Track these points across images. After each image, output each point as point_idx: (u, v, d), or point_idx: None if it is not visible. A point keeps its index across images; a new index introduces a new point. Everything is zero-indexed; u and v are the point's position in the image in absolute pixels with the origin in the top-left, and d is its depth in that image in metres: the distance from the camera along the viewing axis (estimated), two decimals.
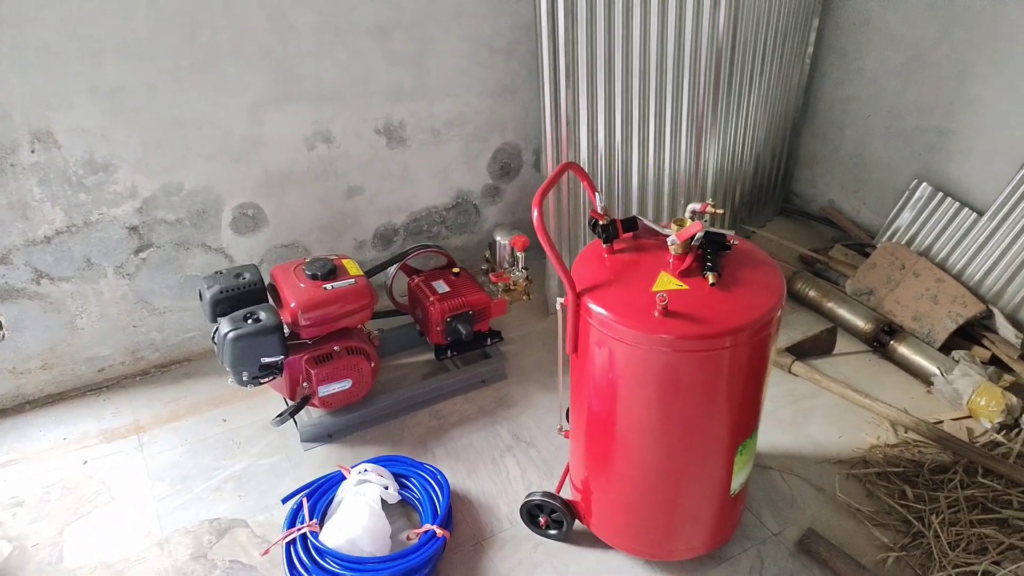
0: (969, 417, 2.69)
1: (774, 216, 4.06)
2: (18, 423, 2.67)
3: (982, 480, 2.36)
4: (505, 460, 2.53)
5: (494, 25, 3.01)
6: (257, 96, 2.66)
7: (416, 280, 2.85)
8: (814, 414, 2.73)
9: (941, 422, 2.67)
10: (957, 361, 2.82)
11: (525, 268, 2.86)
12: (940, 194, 3.24)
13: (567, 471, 2.30)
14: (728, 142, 3.36)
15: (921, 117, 3.33)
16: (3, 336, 2.59)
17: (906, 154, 3.43)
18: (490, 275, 2.88)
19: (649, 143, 3.09)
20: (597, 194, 1.99)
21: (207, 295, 2.39)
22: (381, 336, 2.80)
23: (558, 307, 1.89)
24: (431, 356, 2.91)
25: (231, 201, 2.79)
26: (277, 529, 2.24)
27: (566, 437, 2.23)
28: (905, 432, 2.62)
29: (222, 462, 2.51)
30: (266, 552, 2.18)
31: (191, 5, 2.42)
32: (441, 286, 2.78)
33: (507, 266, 2.89)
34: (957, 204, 3.17)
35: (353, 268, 2.55)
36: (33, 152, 2.39)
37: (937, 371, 2.80)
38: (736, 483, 2.01)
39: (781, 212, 4.10)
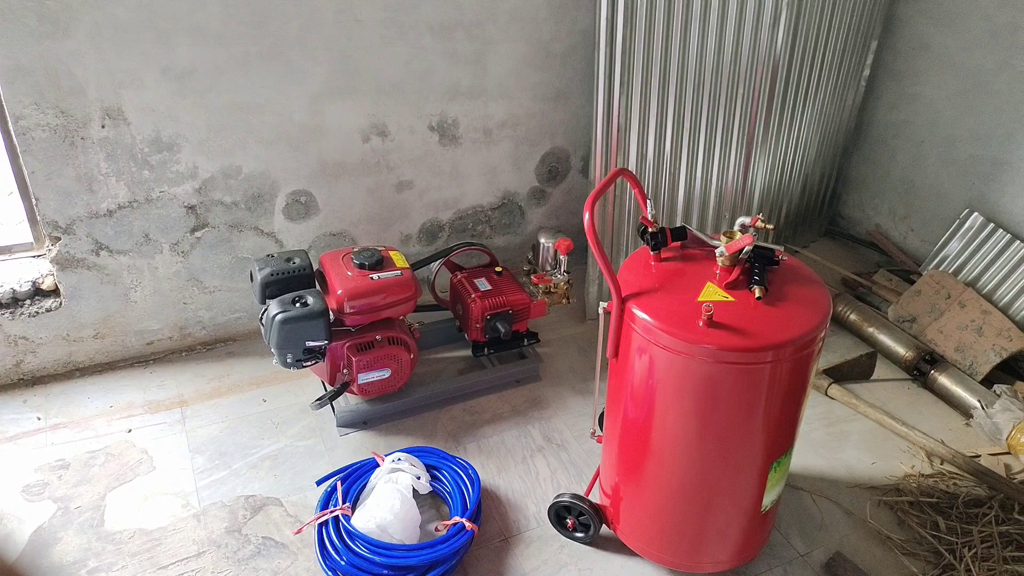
0: (1008, 453, 2.64)
1: (819, 237, 4.03)
2: (68, 389, 2.76)
3: (1018, 517, 2.33)
4: (535, 460, 2.55)
5: (552, 30, 3.04)
6: (319, 87, 2.72)
7: (459, 276, 2.88)
8: (848, 438, 2.71)
9: (978, 456, 2.63)
10: (999, 395, 2.77)
11: (567, 272, 2.88)
12: (991, 225, 3.20)
13: (597, 475, 2.32)
14: (777, 159, 3.35)
15: (977, 146, 3.28)
16: (60, 303, 2.69)
17: (959, 183, 3.39)
18: (532, 276, 2.91)
19: (698, 155, 3.10)
20: (648, 201, 2.01)
21: (258, 276, 2.45)
22: (421, 329, 2.84)
23: (600, 312, 1.91)
24: (468, 352, 2.94)
25: (285, 187, 2.85)
26: (310, 510, 2.29)
27: (598, 442, 2.24)
28: (941, 463, 2.59)
29: (260, 441, 2.57)
30: (299, 531, 2.23)
31: None
32: (483, 284, 2.81)
33: (549, 269, 2.91)
34: (1008, 236, 3.12)
35: (400, 260, 2.60)
36: (103, 127, 2.47)
37: (977, 404, 2.76)
38: (768, 500, 2.01)
39: (826, 233, 4.07)
